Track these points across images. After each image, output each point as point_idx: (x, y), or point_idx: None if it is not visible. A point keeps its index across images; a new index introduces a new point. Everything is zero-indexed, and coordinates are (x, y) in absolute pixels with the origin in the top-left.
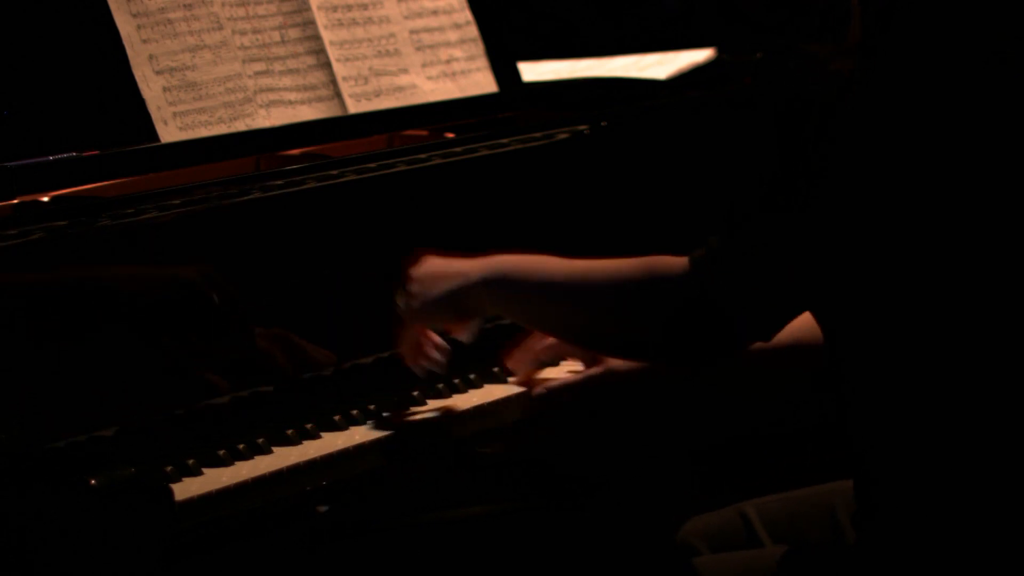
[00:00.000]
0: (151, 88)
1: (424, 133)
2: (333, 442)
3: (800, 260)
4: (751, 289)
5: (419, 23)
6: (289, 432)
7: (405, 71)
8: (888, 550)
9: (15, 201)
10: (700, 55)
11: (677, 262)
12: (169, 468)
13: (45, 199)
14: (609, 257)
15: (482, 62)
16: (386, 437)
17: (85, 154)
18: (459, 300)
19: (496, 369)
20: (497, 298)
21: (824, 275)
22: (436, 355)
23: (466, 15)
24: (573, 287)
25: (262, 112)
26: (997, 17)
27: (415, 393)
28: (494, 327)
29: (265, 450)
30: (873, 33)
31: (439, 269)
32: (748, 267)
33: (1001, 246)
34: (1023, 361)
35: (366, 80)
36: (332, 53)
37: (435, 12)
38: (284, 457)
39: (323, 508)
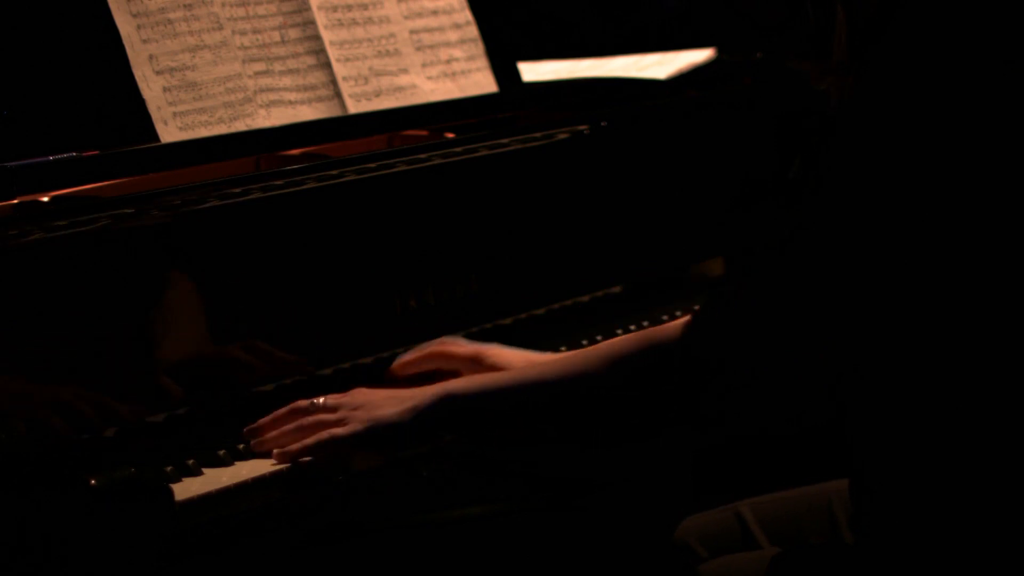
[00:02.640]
0: (151, 88)
1: (424, 133)
2: None
3: (798, 296)
4: (755, 349)
5: (419, 23)
6: None
7: (405, 71)
8: (886, 551)
9: (15, 201)
10: (700, 55)
11: (670, 331)
12: (169, 468)
13: (45, 199)
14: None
15: (482, 62)
16: None
17: (85, 154)
18: (419, 422)
19: None
20: (461, 413)
21: (824, 292)
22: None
23: (466, 15)
24: (569, 380)
25: (262, 112)
26: (996, 23)
27: None
28: None
29: None
30: (865, 47)
31: (388, 394)
32: (749, 325)
33: (999, 253)
34: (1016, 365)
35: (366, 80)
36: (332, 53)
37: (435, 12)
38: None
39: (324, 507)
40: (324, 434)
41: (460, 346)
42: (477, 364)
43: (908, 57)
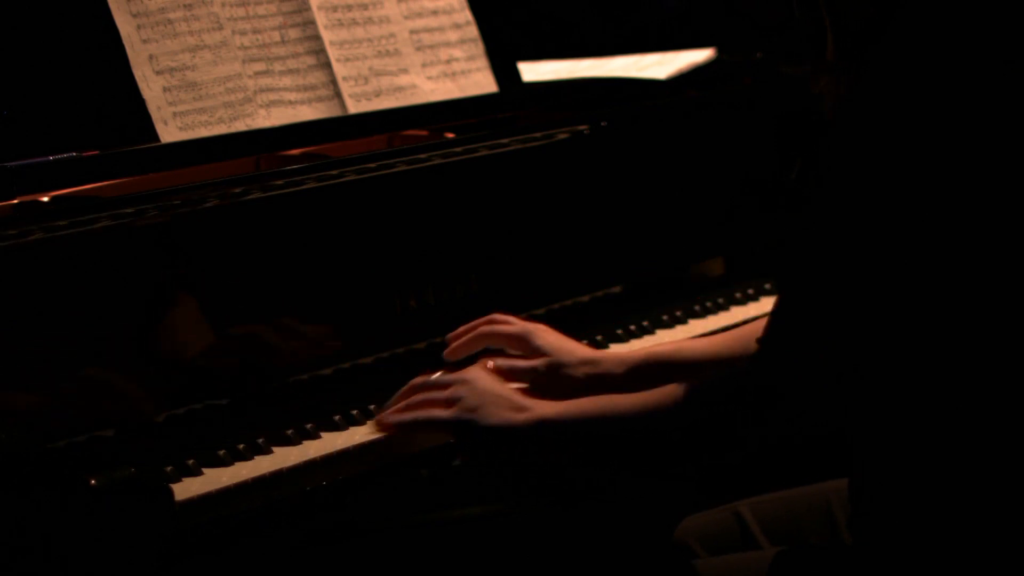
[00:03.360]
0: (151, 88)
1: (424, 133)
2: (333, 442)
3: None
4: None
5: (419, 23)
6: (289, 432)
7: (405, 71)
8: (884, 552)
9: (15, 201)
10: (700, 55)
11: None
12: (169, 468)
13: (45, 199)
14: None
15: (482, 62)
16: (387, 437)
17: (85, 154)
18: (507, 434)
19: None
20: (553, 439)
21: (822, 292)
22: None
23: (466, 15)
24: (641, 419)
25: (262, 112)
26: (996, 23)
27: None
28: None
29: (265, 450)
30: (862, 48)
31: (495, 391)
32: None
33: (998, 252)
34: (1016, 366)
35: (366, 80)
36: (332, 53)
37: (435, 12)
38: (284, 457)
39: (324, 508)
40: (423, 414)
41: (509, 325)
42: (524, 342)
43: (908, 57)
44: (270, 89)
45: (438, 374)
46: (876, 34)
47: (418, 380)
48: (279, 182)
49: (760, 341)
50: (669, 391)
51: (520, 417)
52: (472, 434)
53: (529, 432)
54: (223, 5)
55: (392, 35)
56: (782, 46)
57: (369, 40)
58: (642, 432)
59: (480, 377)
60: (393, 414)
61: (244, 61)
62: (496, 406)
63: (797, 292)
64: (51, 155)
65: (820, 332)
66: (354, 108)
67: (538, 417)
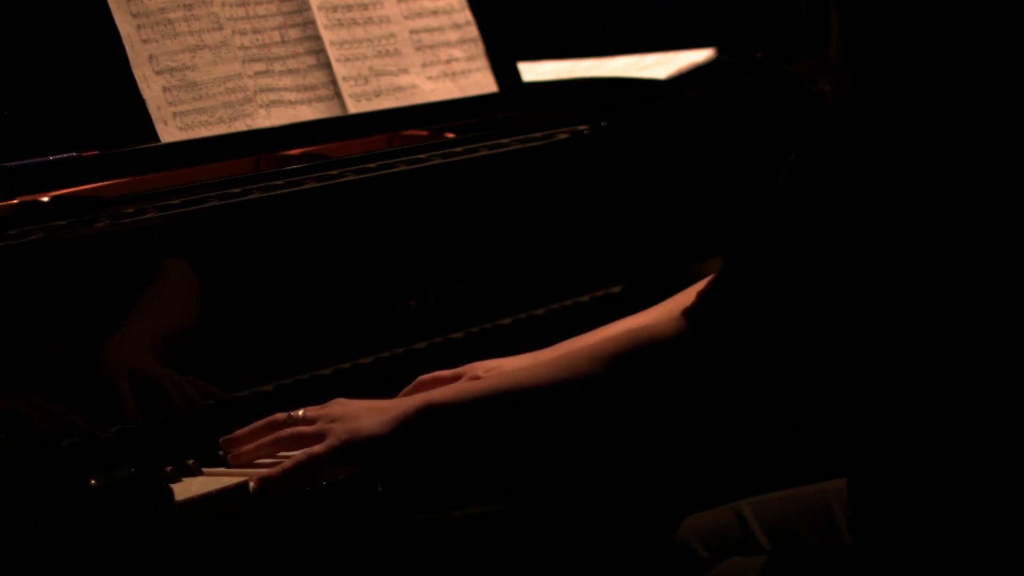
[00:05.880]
0: (151, 88)
1: (424, 133)
2: None
3: (795, 292)
4: (755, 338)
5: (419, 23)
6: None
7: (405, 71)
8: (883, 551)
9: (15, 201)
10: (700, 55)
11: (661, 327)
12: (169, 468)
13: (45, 199)
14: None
15: (482, 62)
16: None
17: (85, 154)
18: (395, 434)
19: None
20: (445, 422)
21: (821, 291)
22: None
23: (466, 15)
24: (557, 380)
25: (262, 112)
26: (996, 23)
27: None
28: None
29: None
30: (863, 47)
31: (366, 404)
32: (747, 313)
33: (997, 252)
34: (1015, 365)
35: (366, 80)
36: (332, 53)
37: (435, 12)
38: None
39: (324, 508)
40: (301, 455)
41: (442, 372)
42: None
43: (908, 57)
44: (270, 89)
45: (300, 412)
46: (877, 34)
47: (279, 416)
48: (279, 182)
49: (701, 293)
50: (576, 353)
51: (400, 411)
52: (358, 453)
53: (417, 421)
54: (223, 5)
55: (392, 35)
56: (782, 46)
57: (369, 40)
58: (548, 402)
59: (347, 401)
60: (258, 451)
61: (244, 61)
62: (376, 413)
63: (777, 274)
64: (51, 155)
65: (778, 311)
66: (354, 108)
67: (424, 403)
